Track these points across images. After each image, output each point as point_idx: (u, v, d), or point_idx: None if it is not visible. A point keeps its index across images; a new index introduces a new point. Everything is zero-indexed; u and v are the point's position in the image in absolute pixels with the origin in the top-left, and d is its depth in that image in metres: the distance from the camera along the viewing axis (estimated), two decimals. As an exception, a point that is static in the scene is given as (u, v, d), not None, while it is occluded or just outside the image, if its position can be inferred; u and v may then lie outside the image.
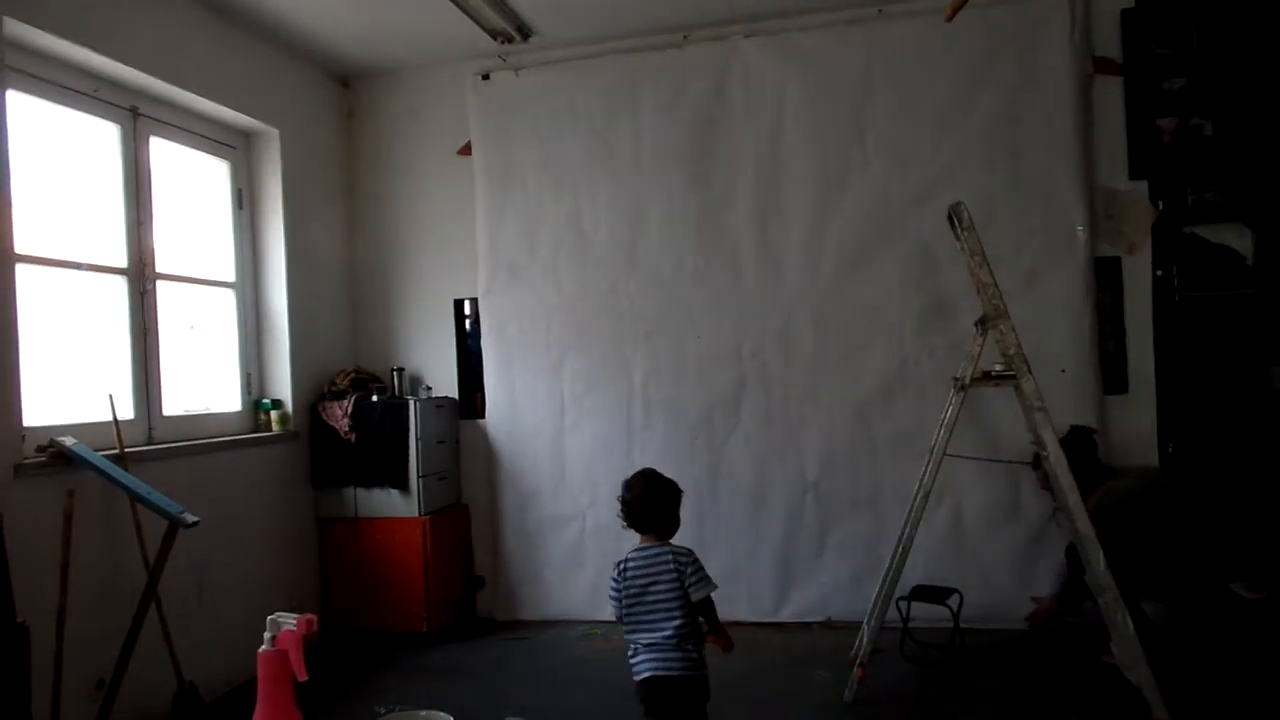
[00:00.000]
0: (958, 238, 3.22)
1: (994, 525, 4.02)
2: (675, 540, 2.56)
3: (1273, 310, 3.79)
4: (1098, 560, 3.02)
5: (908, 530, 3.26)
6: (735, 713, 3.30)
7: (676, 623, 2.42)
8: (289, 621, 2.47)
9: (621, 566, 2.52)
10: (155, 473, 3.27)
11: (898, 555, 3.32)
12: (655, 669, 2.42)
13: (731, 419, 4.34)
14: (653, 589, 2.45)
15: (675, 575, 2.43)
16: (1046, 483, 3.62)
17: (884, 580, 3.40)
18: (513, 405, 4.59)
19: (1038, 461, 3.65)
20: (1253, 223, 3.84)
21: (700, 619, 2.47)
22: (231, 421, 4.09)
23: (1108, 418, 3.97)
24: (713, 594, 2.46)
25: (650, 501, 2.56)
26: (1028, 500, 3.96)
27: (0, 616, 2.41)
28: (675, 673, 2.41)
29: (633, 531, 4.34)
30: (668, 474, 4.30)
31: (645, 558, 2.49)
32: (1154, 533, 3.32)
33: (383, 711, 3.24)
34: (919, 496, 3.25)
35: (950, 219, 3.19)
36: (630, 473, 4.31)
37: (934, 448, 3.24)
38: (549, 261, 4.54)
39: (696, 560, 2.47)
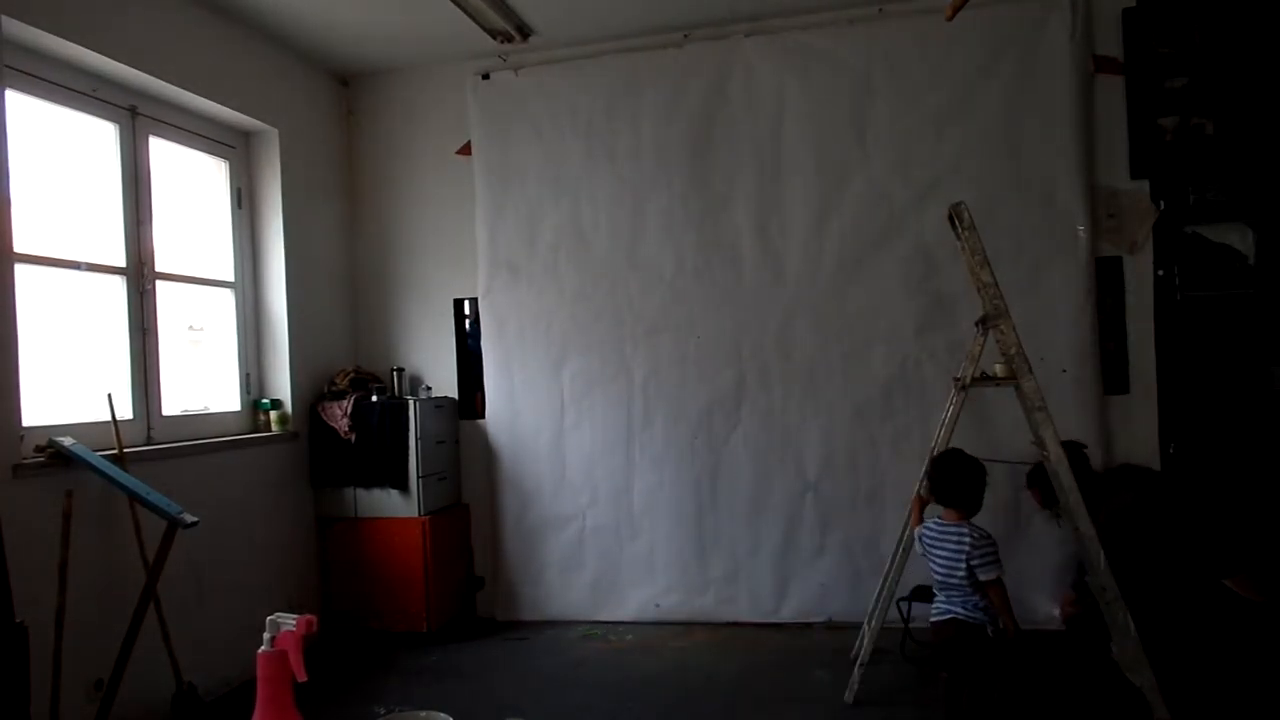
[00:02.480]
0: (958, 237, 3.21)
1: (994, 525, 4.00)
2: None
3: (1274, 310, 3.79)
4: (1099, 561, 3.02)
5: (908, 530, 3.25)
6: (736, 713, 3.30)
7: (964, 591, 2.85)
8: (289, 622, 2.46)
9: (919, 533, 3.02)
10: (154, 473, 3.27)
11: (898, 555, 3.32)
12: (950, 612, 2.88)
13: (731, 419, 4.33)
14: (942, 558, 2.89)
15: (963, 554, 2.82)
16: (1043, 502, 3.61)
17: (884, 580, 3.40)
18: (513, 405, 4.59)
19: (1031, 480, 3.63)
20: (1254, 222, 3.83)
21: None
22: (231, 421, 4.08)
23: (1108, 418, 3.97)
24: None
25: (954, 480, 2.94)
26: (1028, 500, 3.95)
27: (-1, 617, 2.41)
28: (962, 618, 2.85)
29: (637, 534, 4.35)
30: (667, 473, 4.36)
31: (939, 531, 2.93)
32: (1160, 539, 3.31)
33: (382, 712, 3.23)
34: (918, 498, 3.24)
35: (951, 219, 3.18)
36: (630, 472, 4.40)
37: (934, 448, 3.24)
38: (549, 261, 4.54)
39: (990, 545, 2.85)
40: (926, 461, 3.28)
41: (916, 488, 3.27)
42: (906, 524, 3.28)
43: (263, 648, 2.45)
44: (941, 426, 3.25)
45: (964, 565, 2.83)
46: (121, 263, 3.54)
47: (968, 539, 2.85)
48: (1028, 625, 3.90)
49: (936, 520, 2.97)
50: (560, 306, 4.52)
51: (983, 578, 2.82)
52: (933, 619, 2.95)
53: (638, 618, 4.37)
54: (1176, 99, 3.90)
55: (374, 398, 4.37)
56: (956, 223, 3.15)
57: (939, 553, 2.92)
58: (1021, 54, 3.98)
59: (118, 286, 3.55)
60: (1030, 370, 3.08)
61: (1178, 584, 3.28)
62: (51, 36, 3.08)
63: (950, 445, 3.16)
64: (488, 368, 4.64)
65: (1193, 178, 3.88)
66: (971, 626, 2.83)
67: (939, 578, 2.93)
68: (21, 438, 2.92)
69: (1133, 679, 3.00)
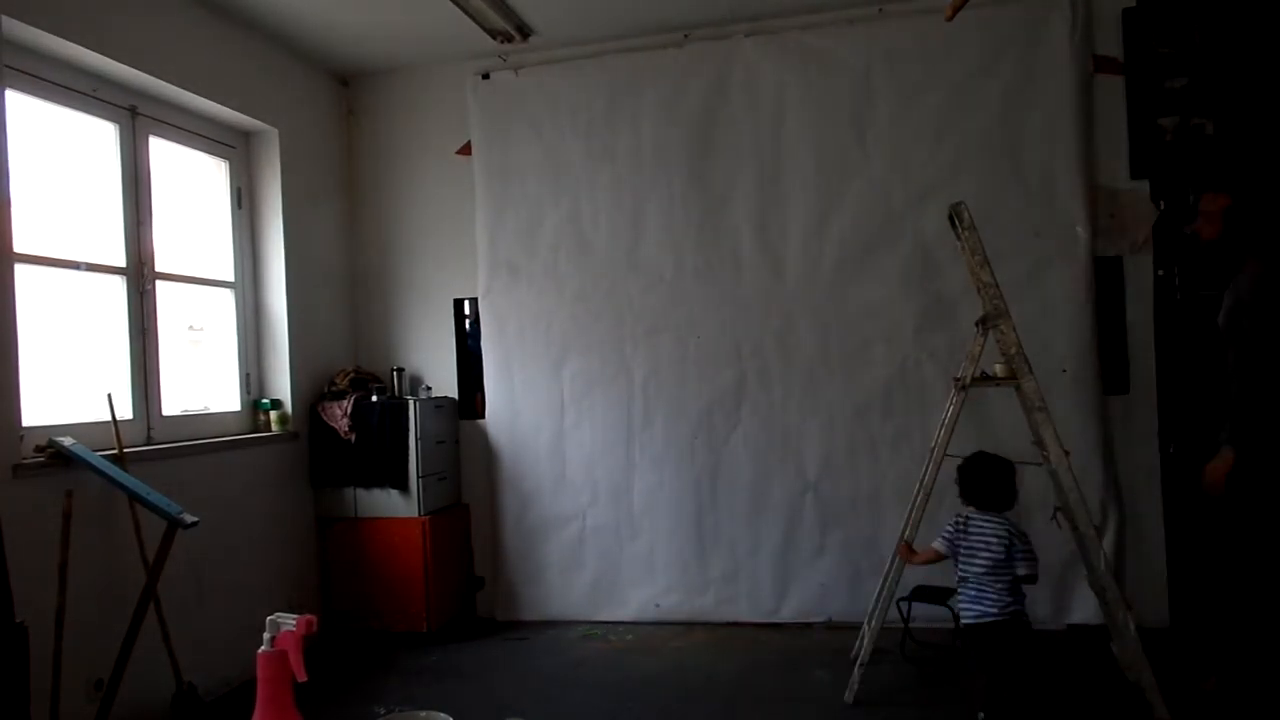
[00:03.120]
0: (958, 237, 3.22)
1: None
2: None
3: (1274, 310, 3.77)
4: (1098, 561, 3.02)
5: (908, 531, 3.25)
6: (736, 713, 3.30)
7: (1001, 584, 2.79)
8: (289, 622, 2.45)
9: (959, 524, 2.90)
10: (154, 473, 3.27)
11: (890, 563, 3.32)
12: (986, 615, 2.79)
13: (731, 419, 4.33)
14: (985, 551, 2.81)
15: (1004, 546, 2.79)
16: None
17: (884, 580, 3.40)
18: (513, 405, 4.59)
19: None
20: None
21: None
22: (231, 421, 4.08)
23: (1108, 418, 3.97)
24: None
25: (989, 481, 2.90)
26: (1028, 501, 3.93)
27: (-1, 617, 2.41)
28: (998, 619, 2.78)
29: (637, 534, 4.32)
30: (667, 473, 4.36)
31: (982, 522, 2.85)
32: None
33: (383, 712, 3.23)
34: (920, 496, 3.24)
35: (951, 219, 3.18)
36: (630, 472, 4.41)
37: (934, 448, 3.24)
38: (549, 261, 4.54)
39: (1029, 541, 2.84)
40: (928, 461, 3.28)
41: (903, 534, 3.22)
42: (906, 524, 3.28)
43: (263, 648, 2.45)
44: (942, 427, 3.25)
45: (1004, 557, 2.77)
46: (121, 263, 3.54)
47: (1012, 530, 2.82)
48: (1028, 625, 3.91)
49: (984, 515, 2.88)
50: (560, 306, 4.52)
51: (1022, 572, 2.78)
52: (970, 621, 2.83)
53: (638, 618, 4.37)
54: (1176, 99, 3.90)
55: (374, 398, 4.37)
56: (956, 222, 3.16)
57: (984, 543, 2.81)
58: (1021, 54, 3.97)
59: (118, 286, 3.55)
60: (1030, 370, 3.08)
61: None
62: (51, 36, 3.07)
63: (950, 446, 3.16)
64: (488, 368, 4.64)
65: (1193, 178, 3.88)
66: (1008, 623, 2.77)
67: (975, 573, 2.82)
68: (21, 438, 2.92)
69: (1131, 677, 3.00)
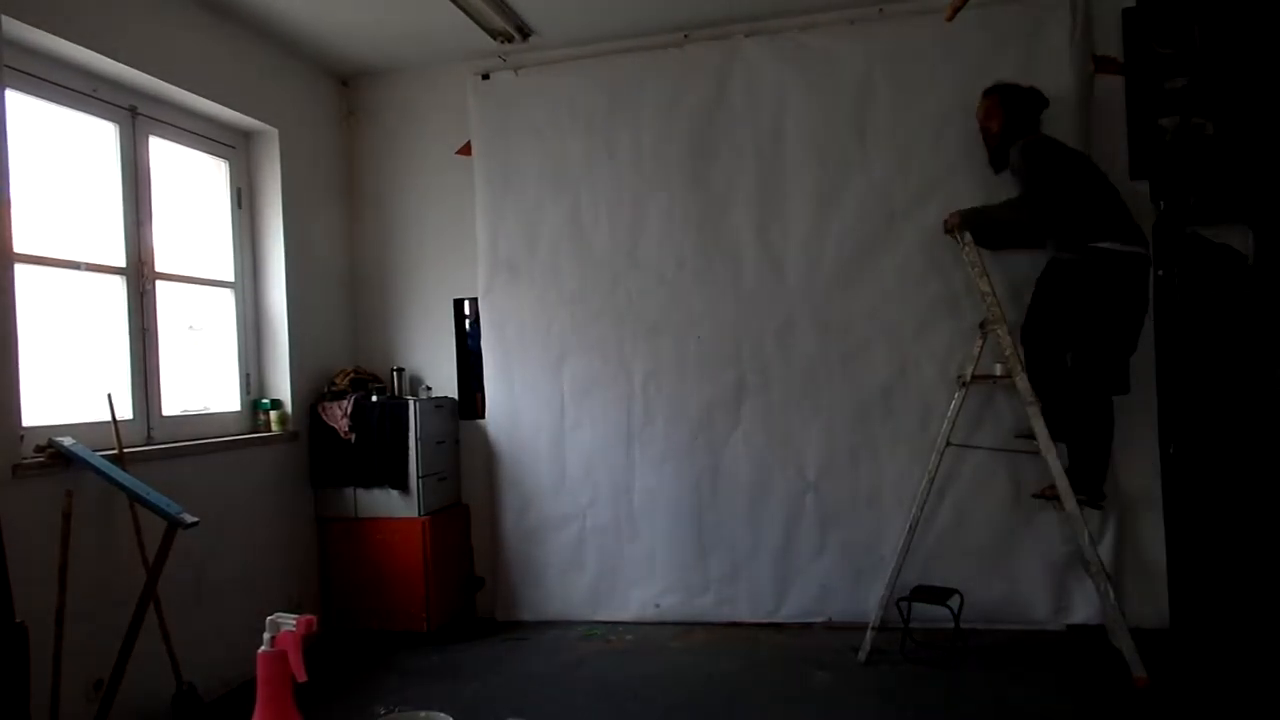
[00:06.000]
0: (959, 243, 3.25)
1: (995, 526, 4.01)
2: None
3: (1274, 310, 3.78)
4: (1084, 538, 3.04)
5: (909, 532, 3.27)
6: (736, 713, 3.30)
7: None
8: (288, 622, 2.46)
9: None
10: (154, 473, 3.27)
11: (899, 556, 3.33)
12: None
13: (731, 419, 4.33)
14: None
15: None
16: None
17: (887, 581, 3.41)
18: (513, 405, 4.59)
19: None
20: (1254, 223, 3.83)
21: None
22: (230, 421, 4.08)
23: (1108, 418, 3.97)
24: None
25: None
26: (1029, 501, 3.95)
27: (-2, 617, 2.40)
28: None
29: (637, 534, 4.28)
30: (667, 473, 4.37)
31: None
32: None
33: (383, 712, 3.24)
34: (926, 485, 3.30)
35: (948, 231, 3.24)
36: (630, 472, 4.41)
37: (939, 439, 3.30)
38: (549, 261, 4.54)
39: None
40: (934, 456, 3.31)
41: (912, 528, 3.22)
42: (910, 525, 3.30)
43: (263, 648, 2.45)
44: (946, 420, 3.29)
45: None
46: (121, 263, 3.54)
47: None
48: (1028, 625, 3.92)
49: None
50: (560, 306, 4.52)
51: None
52: None
53: (638, 618, 4.37)
54: (1176, 99, 3.89)
55: (374, 398, 4.37)
56: (957, 235, 3.23)
57: None
58: (1021, 54, 3.97)
59: (118, 286, 3.55)
60: (1023, 368, 3.15)
61: None
62: (51, 36, 3.08)
63: (954, 437, 3.21)
64: (488, 368, 4.64)
65: (1193, 178, 3.87)
66: None
67: None
68: (21, 438, 2.92)
69: (1114, 642, 3.03)
